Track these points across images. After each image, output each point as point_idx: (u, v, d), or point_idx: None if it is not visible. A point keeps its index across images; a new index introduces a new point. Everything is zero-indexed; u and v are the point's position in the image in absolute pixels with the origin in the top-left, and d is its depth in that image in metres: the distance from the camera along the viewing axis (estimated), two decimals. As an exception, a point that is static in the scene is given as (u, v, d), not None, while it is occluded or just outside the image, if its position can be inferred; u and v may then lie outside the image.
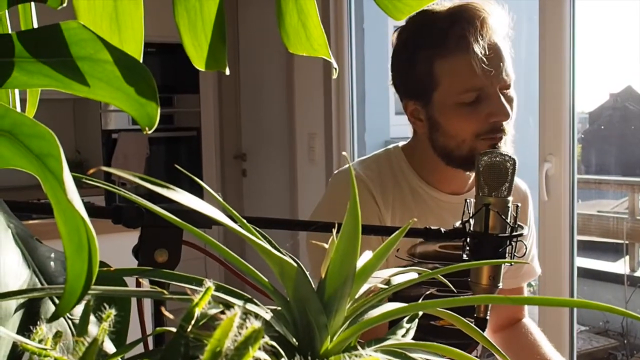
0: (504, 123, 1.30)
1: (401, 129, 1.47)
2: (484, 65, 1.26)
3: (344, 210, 0.45)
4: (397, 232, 0.48)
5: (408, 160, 1.43)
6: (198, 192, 0.54)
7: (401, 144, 1.48)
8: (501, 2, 1.34)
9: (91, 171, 0.36)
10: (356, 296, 0.51)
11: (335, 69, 0.58)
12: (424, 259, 1.35)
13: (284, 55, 4.24)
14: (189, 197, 0.44)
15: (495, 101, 1.28)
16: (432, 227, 0.98)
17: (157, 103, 0.42)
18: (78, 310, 0.45)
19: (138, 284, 0.59)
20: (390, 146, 1.48)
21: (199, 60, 0.49)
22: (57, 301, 0.52)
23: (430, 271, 0.55)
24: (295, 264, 0.46)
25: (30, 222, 2.46)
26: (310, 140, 4.09)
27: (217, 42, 0.48)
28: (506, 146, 1.30)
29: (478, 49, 1.25)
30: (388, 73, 1.42)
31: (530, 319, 1.57)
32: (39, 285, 0.53)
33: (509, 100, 1.31)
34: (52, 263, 0.55)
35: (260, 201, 4.80)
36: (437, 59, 1.30)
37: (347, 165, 1.48)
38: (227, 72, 0.50)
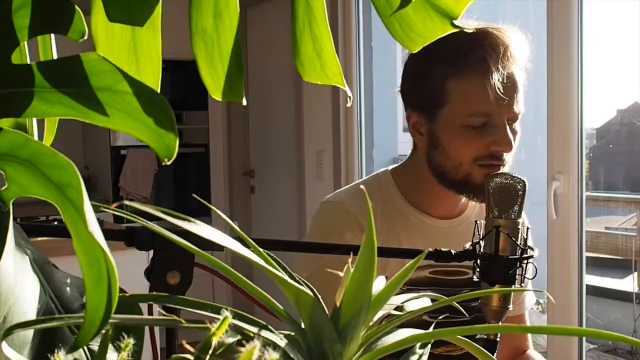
0: (504, 154, 1.28)
1: (409, 145, 1.46)
2: (498, 93, 1.24)
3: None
4: (415, 258, 0.48)
5: (397, 185, 1.41)
6: (207, 209, 0.54)
7: (390, 167, 1.46)
8: (525, 31, 1.31)
9: (114, 205, 0.37)
10: (370, 323, 0.51)
11: (350, 97, 0.58)
12: (414, 286, 1.34)
13: (293, 72, 4.24)
14: (205, 229, 0.45)
15: (500, 131, 1.27)
16: (443, 249, 0.97)
17: (175, 134, 0.43)
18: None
19: (151, 311, 0.59)
20: (380, 171, 1.47)
21: (216, 90, 0.50)
22: (74, 329, 0.53)
23: (446, 297, 0.55)
24: (311, 293, 0.47)
25: (39, 239, 2.45)
26: (318, 157, 4.10)
27: (234, 72, 0.49)
28: None
29: (496, 75, 1.24)
30: (396, 90, 1.41)
31: (535, 351, 1.56)
32: (55, 312, 0.53)
33: (514, 132, 1.30)
34: (67, 289, 0.55)
35: (269, 218, 4.80)
36: (452, 77, 1.28)
37: (332, 195, 1.46)
38: (244, 102, 0.50)
